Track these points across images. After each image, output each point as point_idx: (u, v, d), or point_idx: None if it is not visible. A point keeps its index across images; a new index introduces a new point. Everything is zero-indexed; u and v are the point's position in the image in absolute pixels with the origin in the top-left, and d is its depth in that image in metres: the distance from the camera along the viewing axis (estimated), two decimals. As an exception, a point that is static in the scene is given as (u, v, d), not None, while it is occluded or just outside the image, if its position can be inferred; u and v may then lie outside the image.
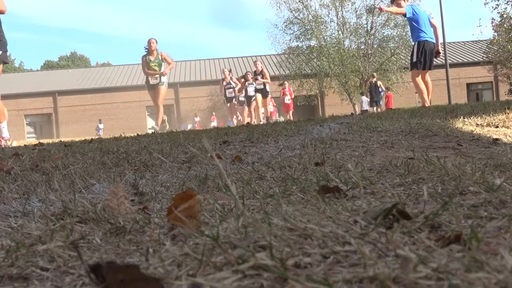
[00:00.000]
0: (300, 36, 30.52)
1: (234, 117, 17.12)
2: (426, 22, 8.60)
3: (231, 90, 16.65)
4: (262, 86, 15.86)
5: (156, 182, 1.95)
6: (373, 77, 23.62)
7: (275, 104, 24.06)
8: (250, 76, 16.40)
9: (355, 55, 29.38)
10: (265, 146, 3.17)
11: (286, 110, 21.59)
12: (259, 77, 15.78)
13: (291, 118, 19.88)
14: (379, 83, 23.18)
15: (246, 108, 16.53)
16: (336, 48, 29.27)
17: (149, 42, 11.78)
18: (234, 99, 16.73)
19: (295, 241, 0.92)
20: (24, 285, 0.83)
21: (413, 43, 8.87)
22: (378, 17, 30.03)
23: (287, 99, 21.00)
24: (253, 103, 16.11)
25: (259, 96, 15.81)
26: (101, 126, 31.77)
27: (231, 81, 16.78)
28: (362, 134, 3.40)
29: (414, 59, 8.55)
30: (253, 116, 16.24)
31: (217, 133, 4.65)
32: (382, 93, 23.24)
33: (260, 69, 15.89)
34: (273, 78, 34.15)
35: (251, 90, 16.17)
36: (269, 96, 16.25)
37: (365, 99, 26.74)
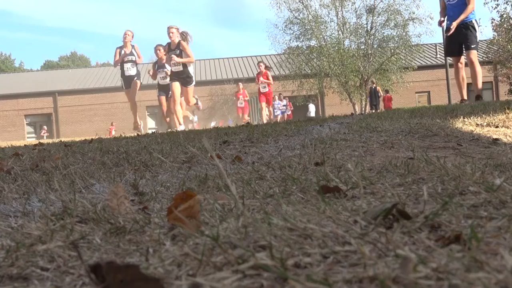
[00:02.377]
0: (300, 36, 30.50)
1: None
2: None
3: (131, 64, 11.25)
4: (180, 68, 10.13)
5: (156, 182, 1.95)
6: (373, 83, 24.91)
7: (247, 97, 18.30)
8: (161, 51, 10.75)
9: (355, 55, 29.37)
10: (265, 146, 3.17)
11: (239, 113, 16.15)
12: (174, 56, 10.04)
13: (269, 114, 15.42)
14: (378, 88, 24.64)
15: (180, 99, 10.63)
16: (336, 48, 29.26)
17: None
18: (136, 78, 11.48)
19: (295, 241, 0.92)
20: (24, 285, 0.83)
21: (466, 20, 7.74)
22: (377, 17, 30.05)
23: (263, 87, 14.99)
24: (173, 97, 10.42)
25: (176, 85, 10.18)
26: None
27: (133, 50, 11.26)
28: (362, 134, 3.40)
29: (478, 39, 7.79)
30: (165, 115, 11.31)
31: (217, 133, 4.65)
32: (380, 98, 24.82)
33: (177, 41, 10.17)
34: (273, 78, 34.19)
35: (161, 77, 11.07)
36: (193, 84, 10.50)
37: (312, 108, 29.09)
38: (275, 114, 25.26)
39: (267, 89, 15.08)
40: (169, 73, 10.58)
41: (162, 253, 0.91)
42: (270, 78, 15.25)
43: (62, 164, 2.61)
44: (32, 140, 20.43)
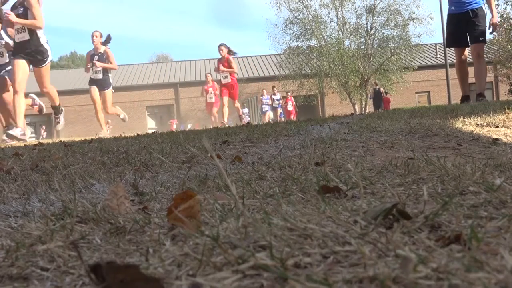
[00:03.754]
0: (300, 36, 30.53)
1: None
2: None
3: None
4: (25, 36, 7.11)
5: (156, 182, 1.95)
6: (376, 84, 25.65)
7: (217, 90, 14.10)
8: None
9: (355, 55, 29.39)
10: (265, 146, 3.17)
11: (209, 110, 13.12)
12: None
13: (238, 111, 12.85)
14: (381, 89, 25.37)
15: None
16: (336, 48, 29.28)
17: None
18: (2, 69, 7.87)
19: (295, 241, 0.92)
20: (24, 285, 0.83)
21: (476, 5, 6.92)
22: (377, 17, 30.07)
23: (225, 77, 12.10)
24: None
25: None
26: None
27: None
28: (362, 134, 3.39)
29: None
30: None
31: (217, 133, 4.65)
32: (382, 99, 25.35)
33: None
34: (273, 78, 34.30)
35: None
36: (110, 87, 9.97)
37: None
38: (263, 110, 22.59)
39: (229, 79, 12.04)
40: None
41: (162, 253, 0.91)
42: (233, 65, 12.23)
43: (62, 164, 2.61)
44: (32, 140, 20.34)
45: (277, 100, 23.46)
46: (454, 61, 7.49)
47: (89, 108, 35.40)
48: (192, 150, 2.85)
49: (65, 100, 35.71)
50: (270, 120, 21.64)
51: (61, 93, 38.33)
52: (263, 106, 23.11)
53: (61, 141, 6.08)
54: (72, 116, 35.33)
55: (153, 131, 8.73)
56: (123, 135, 6.53)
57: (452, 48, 7.44)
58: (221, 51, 12.04)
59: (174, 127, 21.32)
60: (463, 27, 6.96)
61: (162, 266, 0.84)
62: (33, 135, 35.11)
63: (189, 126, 24.75)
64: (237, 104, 12.64)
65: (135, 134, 6.16)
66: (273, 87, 24.32)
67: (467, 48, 7.24)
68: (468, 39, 7.05)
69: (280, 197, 1.40)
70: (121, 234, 1.11)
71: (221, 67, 12.00)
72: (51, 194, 1.75)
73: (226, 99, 12.12)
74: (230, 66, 12.09)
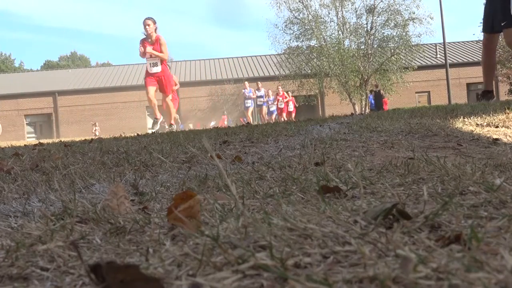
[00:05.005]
0: (300, 36, 30.51)
1: None
2: None
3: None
4: None
5: (156, 182, 1.95)
6: (377, 86, 25.66)
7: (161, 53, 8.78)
8: None
9: (355, 55, 29.39)
10: (265, 146, 3.17)
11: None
12: None
13: (170, 108, 8.94)
14: (381, 91, 25.51)
15: None
16: (336, 48, 29.27)
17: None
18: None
19: (295, 241, 0.92)
20: (24, 285, 0.83)
21: None
22: (378, 17, 30.07)
23: (153, 65, 8.61)
24: None
25: None
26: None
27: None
28: (362, 134, 3.39)
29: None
30: None
31: (217, 133, 4.65)
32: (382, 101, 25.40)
33: None
34: (272, 78, 34.28)
35: None
36: None
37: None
38: (246, 106, 20.81)
39: (159, 68, 8.52)
40: None
41: (162, 253, 0.91)
42: (165, 48, 8.63)
43: (62, 164, 2.61)
44: (32, 140, 20.35)
45: (261, 97, 21.48)
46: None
47: (90, 107, 35.51)
48: (192, 150, 2.85)
49: (65, 100, 35.87)
50: (251, 117, 20.61)
51: (61, 93, 38.30)
52: (245, 101, 21.18)
53: (61, 141, 6.08)
54: (72, 116, 35.32)
55: (153, 131, 8.67)
56: (123, 135, 6.53)
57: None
58: (147, 27, 8.52)
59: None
60: (495, 6, 5.77)
61: (162, 266, 0.84)
62: (33, 134, 35.10)
63: (190, 126, 24.46)
64: (169, 101, 9.05)
65: (135, 134, 6.15)
66: (258, 83, 22.83)
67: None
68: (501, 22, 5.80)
69: (280, 197, 1.40)
70: (121, 234, 1.11)
71: (149, 50, 8.47)
72: (51, 194, 1.75)
73: (152, 91, 8.57)
74: (161, 50, 8.59)
